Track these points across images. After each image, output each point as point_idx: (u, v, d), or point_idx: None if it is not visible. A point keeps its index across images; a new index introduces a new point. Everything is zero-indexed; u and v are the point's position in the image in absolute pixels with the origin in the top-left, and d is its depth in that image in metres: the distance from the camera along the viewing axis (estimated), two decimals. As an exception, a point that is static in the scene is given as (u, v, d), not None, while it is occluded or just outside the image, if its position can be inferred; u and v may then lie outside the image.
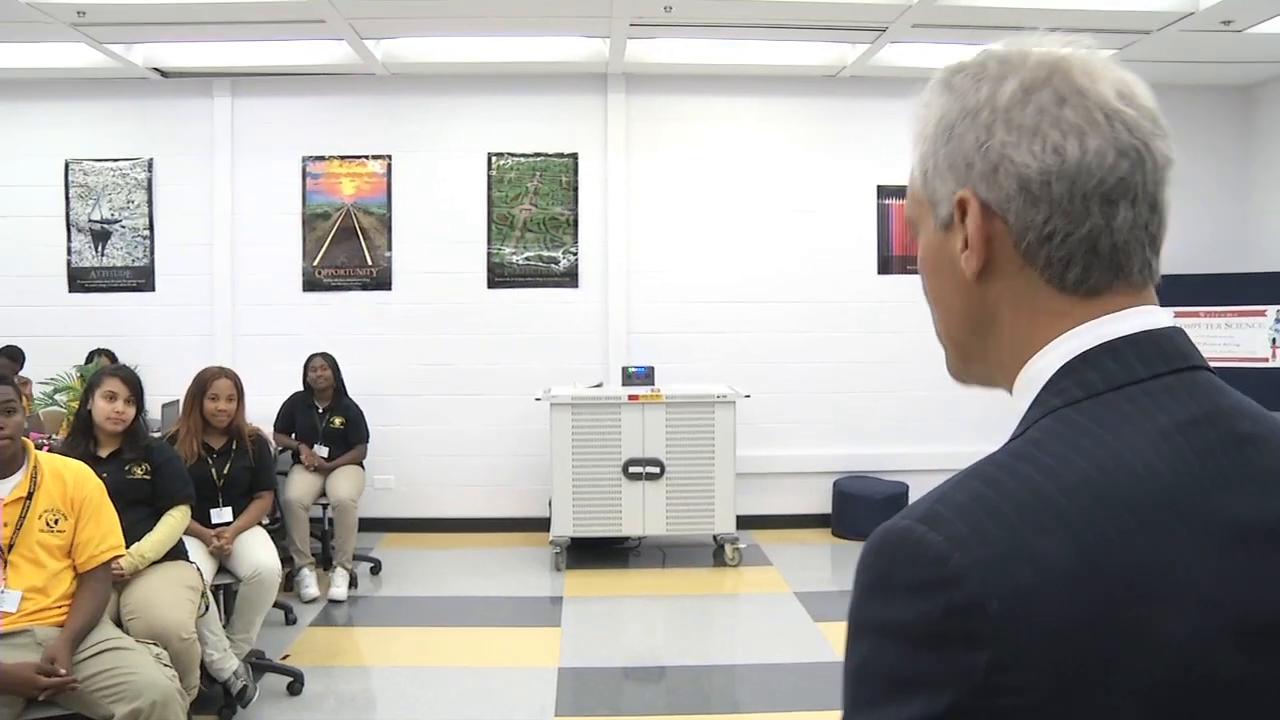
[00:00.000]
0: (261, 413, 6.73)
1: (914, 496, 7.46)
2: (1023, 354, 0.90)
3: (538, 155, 7.92)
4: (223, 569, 4.74)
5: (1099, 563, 0.74)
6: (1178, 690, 0.73)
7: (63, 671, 3.15)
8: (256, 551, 4.74)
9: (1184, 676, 0.74)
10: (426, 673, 5.10)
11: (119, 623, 3.69)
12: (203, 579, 4.17)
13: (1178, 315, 7.68)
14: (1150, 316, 0.87)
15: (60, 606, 3.41)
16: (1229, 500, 0.78)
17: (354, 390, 7.01)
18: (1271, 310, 7.36)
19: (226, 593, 4.82)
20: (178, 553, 4.17)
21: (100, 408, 4.16)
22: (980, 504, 0.77)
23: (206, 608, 4.16)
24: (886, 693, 0.76)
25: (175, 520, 4.19)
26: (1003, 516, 0.76)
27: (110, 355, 7.29)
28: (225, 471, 4.89)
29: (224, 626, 4.55)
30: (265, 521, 5.16)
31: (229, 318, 7.82)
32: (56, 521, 3.45)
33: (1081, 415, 0.82)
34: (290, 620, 5.80)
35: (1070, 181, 0.84)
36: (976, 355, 0.96)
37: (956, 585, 0.74)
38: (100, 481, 3.64)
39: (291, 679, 4.81)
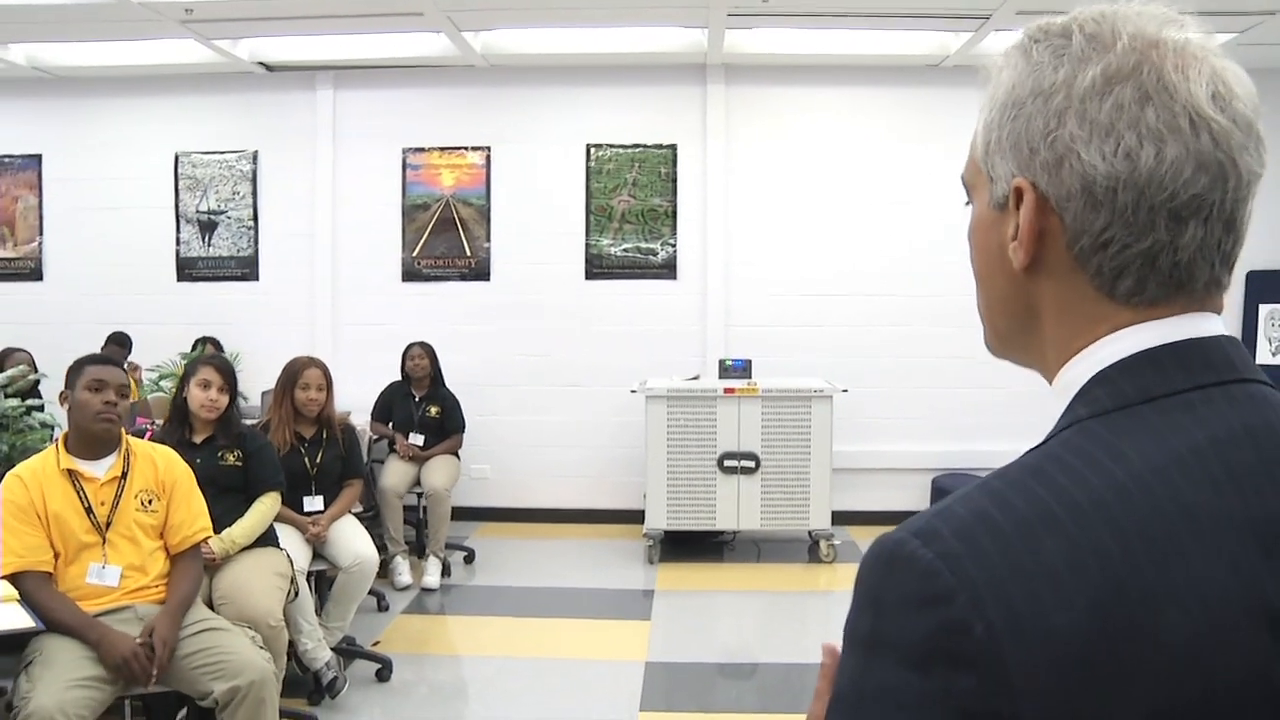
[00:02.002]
0: (360, 402, 6.84)
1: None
2: (1063, 355, 0.84)
3: (636, 146, 7.89)
4: (318, 556, 4.80)
5: (1099, 591, 0.68)
6: (1197, 713, 0.68)
7: (160, 641, 3.24)
8: (356, 540, 4.79)
9: (1203, 701, 0.68)
10: (514, 663, 5.11)
11: (210, 607, 3.75)
12: (292, 566, 4.21)
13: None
14: (1203, 324, 0.80)
15: (156, 585, 3.50)
16: (1260, 522, 0.72)
17: (451, 380, 7.05)
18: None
19: (321, 580, 4.88)
20: (268, 539, 4.22)
21: (195, 395, 4.23)
22: (981, 521, 0.72)
23: (296, 594, 4.20)
24: (873, 711, 0.72)
25: (265, 507, 4.24)
26: (1002, 536, 0.71)
27: (215, 343, 7.45)
28: (318, 460, 4.95)
29: (318, 614, 4.60)
30: (359, 509, 5.21)
31: (330, 307, 7.94)
32: (150, 502, 3.53)
33: (1107, 429, 0.76)
34: (383, 607, 5.86)
35: (1139, 191, 0.77)
36: (1016, 344, 0.90)
37: (945, 604, 0.70)
38: (188, 466, 3.71)
39: (380, 666, 4.85)
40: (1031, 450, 0.78)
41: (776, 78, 7.79)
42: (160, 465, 3.61)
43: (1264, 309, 7.60)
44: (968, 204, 0.91)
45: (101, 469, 3.49)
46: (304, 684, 4.47)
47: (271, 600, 3.88)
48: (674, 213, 7.92)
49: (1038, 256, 0.82)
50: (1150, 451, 0.73)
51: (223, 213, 8.01)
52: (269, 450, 4.44)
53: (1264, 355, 7.59)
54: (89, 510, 3.41)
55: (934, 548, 0.71)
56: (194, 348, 7.23)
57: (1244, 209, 0.80)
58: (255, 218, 8.00)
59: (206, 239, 8.02)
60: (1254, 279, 7.59)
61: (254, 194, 8.00)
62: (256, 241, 8.02)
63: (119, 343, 7.26)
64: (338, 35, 7.26)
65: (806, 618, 6.16)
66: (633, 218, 7.92)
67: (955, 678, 0.69)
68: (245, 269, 8.03)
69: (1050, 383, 0.86)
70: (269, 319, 7.94)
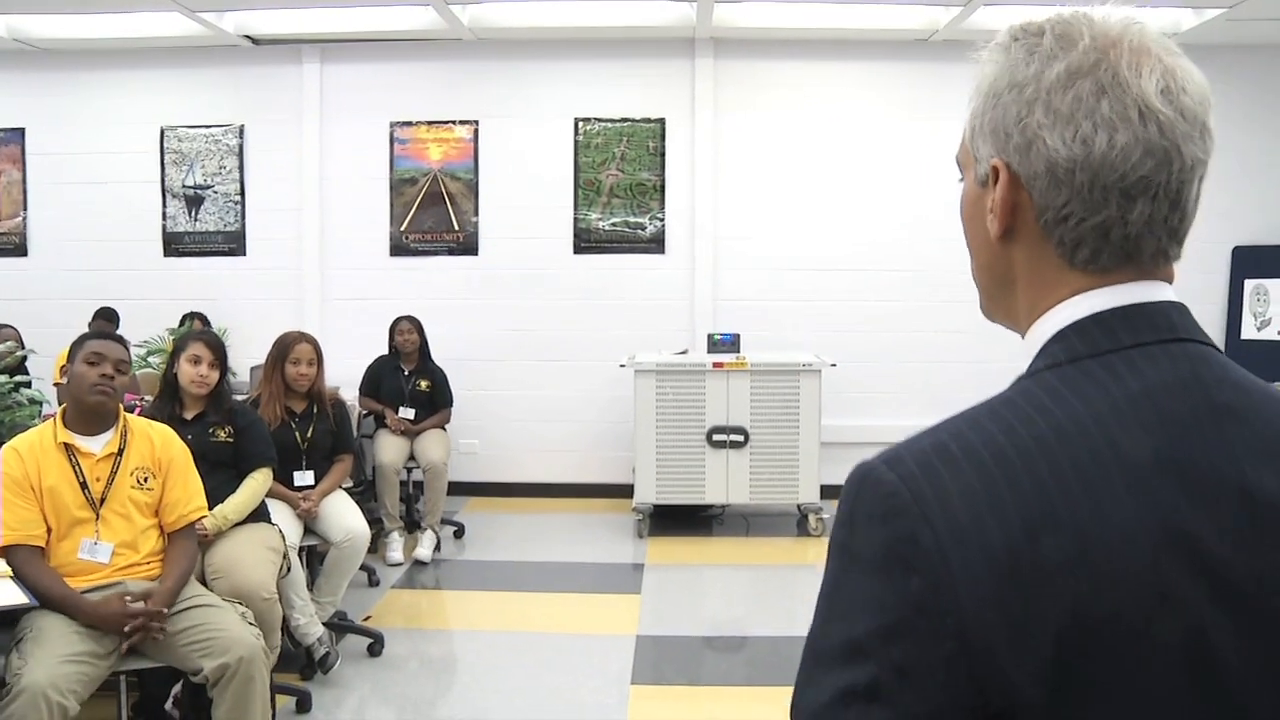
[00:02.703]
0: (349, 376, 6.83)
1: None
2: (1032, 316, 0.96)
3: (625, 121, 7.86)
4: (309, 531, 4.80)
5: (1032, 514, 0.80)
6: (1100, 624, 0.79)
7: (149, 607, 3.25)
8: (346, 515, 4.79)
9: (1114, 613, 0.79)
10: (506, 637, 5.13)
11: (203, 582, 3.75)
12: (284, 541, 4.22)
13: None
14: (1151, 290, 0.92)
15: (148, 563, 3.50)
16: (1184, 462, 0.83)
17: (439, 355, 7.04)
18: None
19: (312, 555, 4.89)
20: (260, 515, 4.22)
21: (185, 371, 4.22)
22: (939, 451, 0.85)
23: (288, 569, 4.21)
24: (844, 606, 0.85)
25: (257, 482, 4.24)
26: (955, 464, 0.83)
27: (203, 318, 7.42)
28: (308, 435, 4.94)
29: (310, 589, 4.61)
30: (348, 484, 5.22)
31: (318, 282, 7.92)
32: (146, 479, 3.53)
33: (1057, 378, 0.88)
34: (373, 582, 5.88)
35: (1093, 173, 0.88)
36: (998, 303, 1.02)
37: (899, 518, 0.82)
38: (185, 445, 3.71)
39: (372, 640, 4.87)
40: (994, 396, 0.90)
41: (765, 52, 7.77)
42: (157, 443, 3.60)
43: (1249, 284, 7.63)
44: (960, 181, 1.03)
45: (98, 444, 3.49)
46: (296, 659, 4.49)
47: (264, 574, 3.89)
48: (662, 187, 7.91)
49: (1011, 227, 0.94)
50: (1092, 398, 0.85)
51: (209, 187, 7.96)
52: (260, 425, 4.44)
53: (1249, 330, 7.63)
54: (84, 485, 3.41)
55: (897, 471, 0.84)
56: (181, 323, 7.20)
57: (1189, 190, 0.90)
58: (242, 192, 7.96)
59: (193, 214, 7.98)
60: (1239, 254, 7.63)
61: (240, 168, 7.94)
62: (244, 216, 7.98)
63: (107, 318, 7.22)
64: (324, 8, 7.22)
65: (796, 591, 6.17)
66: (621, 192, 7.91)
67: (906, 579, 0.81)
68: (232, 244, 7.99)
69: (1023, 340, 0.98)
70: (256, 294, 7.91)
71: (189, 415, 4.25)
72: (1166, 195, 0.89)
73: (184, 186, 7.98)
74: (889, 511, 0.83)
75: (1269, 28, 6.66)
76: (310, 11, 7.31)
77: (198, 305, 7.64)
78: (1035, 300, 0.95)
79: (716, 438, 6.89)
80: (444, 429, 6.84)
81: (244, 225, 7.98)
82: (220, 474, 4.10)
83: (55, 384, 7.04)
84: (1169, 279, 0.93)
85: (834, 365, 7.01)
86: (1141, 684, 0.79)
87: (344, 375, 6.90)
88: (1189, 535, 0.81)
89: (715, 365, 6.92)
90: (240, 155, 7.95)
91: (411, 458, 6.60)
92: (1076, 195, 0.89)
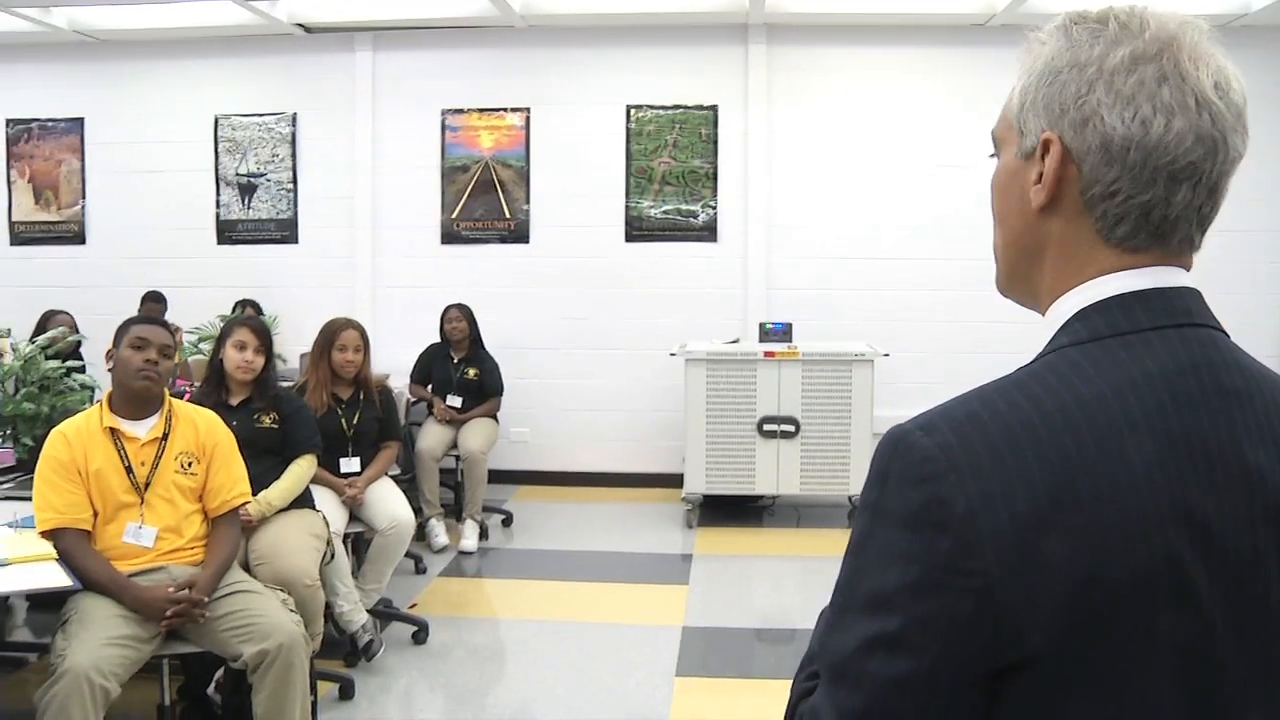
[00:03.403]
0: (400, 364, 6.84)
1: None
2: (1056, 292, 1.02)
3: (677, 108, 7.80)
4: (355, 518, 4.79)
5: (1056, 482, 0.86)
6: (1112, 586, 0.85)
7: (192, 595, 3.25)
8: (392, 503, 4.78)
9: (1125, 577, 0.86)
10: (551, 626, 5.10)
11: (246, 568, 3.76)
12: (328, 527, 4.21)
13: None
14: (1171, 276, 0.97)
15: (192, 548, 3.51)
16: (1194, 441, 0.90)
17: (491, 343, 7.02)
18: None
19: (357, 542, 4.89)
20: (304, 501, 4.23)
21: (231, 357, 4.23)
22: (971, 420, 0.90)
23: (332, 555, 4.20)
24: (874, 560, 0.91)
25: (302, 469, 4.24)
26: (987, 433, 0.89)
27: (255, 306, 7.47)
28: (354, 422, 4.94)
29: (354, 576, 4.61)
30: (395, 472, 5.21)
31: (369, 269, 7.93)
32: (190, 464, 3.53)
33: (1081, 355, 0.94)
34: (420, 570, 5.87)
35: (1146, 153, 0.94)
36: (1021, 277, 1.07)
37: (935, 482, 0.88)
38: (229, 430, 3.70)
39: (417, 628, 4.86)
40: (1021, 367, 0.96)
41: (818, 38, 7.66)
42: (202, 428, 3.60)
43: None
44: (993, 156, 1.09)
45: (143, 429, 3.50)
46: (341, 646, 4.49)
47: (307, 560, 3.88)
48: (715, 175, 7.83)
49: (1055, 198, 0.99)
50: (1111, 375, 0.91)
51: (262, 175, 8.01)
52: (305, 412, 4.44)
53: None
54: (129, 470, 3.42)
55: (932, 438, 0.90)
56: (234, 310, 7.24)
57: (1226, 181, 0.97)
58: (294, 180, 8.00)
59: (246, 201, 8.03)
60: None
61: (293, 156, 7.98)
62: (296, 204, 8.01)
63: (156, 299, 7.30)
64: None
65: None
66: (673, 179, 7.84)
67: (937, 539, 0.87)
68: (285, 231, 8.03)
69: (1044, 316, 1.04)
70: (308, 281, 7.94)
71: (234, 401, 4.26)
72: (1206, 183, 0.95)
73: (237, 175, 8.03)
74: (924, 476, 0.89)
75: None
76: (362, -1, 7.32)
77: (250, 293, 7.68)
78: (1061, 276, 1.01)
79: (767, 427, 6.82)
80: (495, 418, 6.82)
81: (296, 213, 8.01)
82: (265, 460, 4.11)
83: (109, 370, 7.13)
84: (1188, 267, 0.99)
85: (887, 355, 6.91)
86: (1144, 642, 0.86)
87: (397, 364, 6.92)
88: (1196, 510, 0.88)
89: (767, 354, 6.84)
90: (293, 143, 7.98)
91: (456, 446, 6.59)
92: (1127, 173, 0.95)
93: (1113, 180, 0.95)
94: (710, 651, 4.88)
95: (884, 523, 0.91)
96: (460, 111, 7.87)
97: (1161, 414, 0.90)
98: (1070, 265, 1.00)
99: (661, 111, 7.81)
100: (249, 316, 4.36)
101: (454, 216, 7.92)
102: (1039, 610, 0.85)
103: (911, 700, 0.88)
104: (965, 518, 0.86)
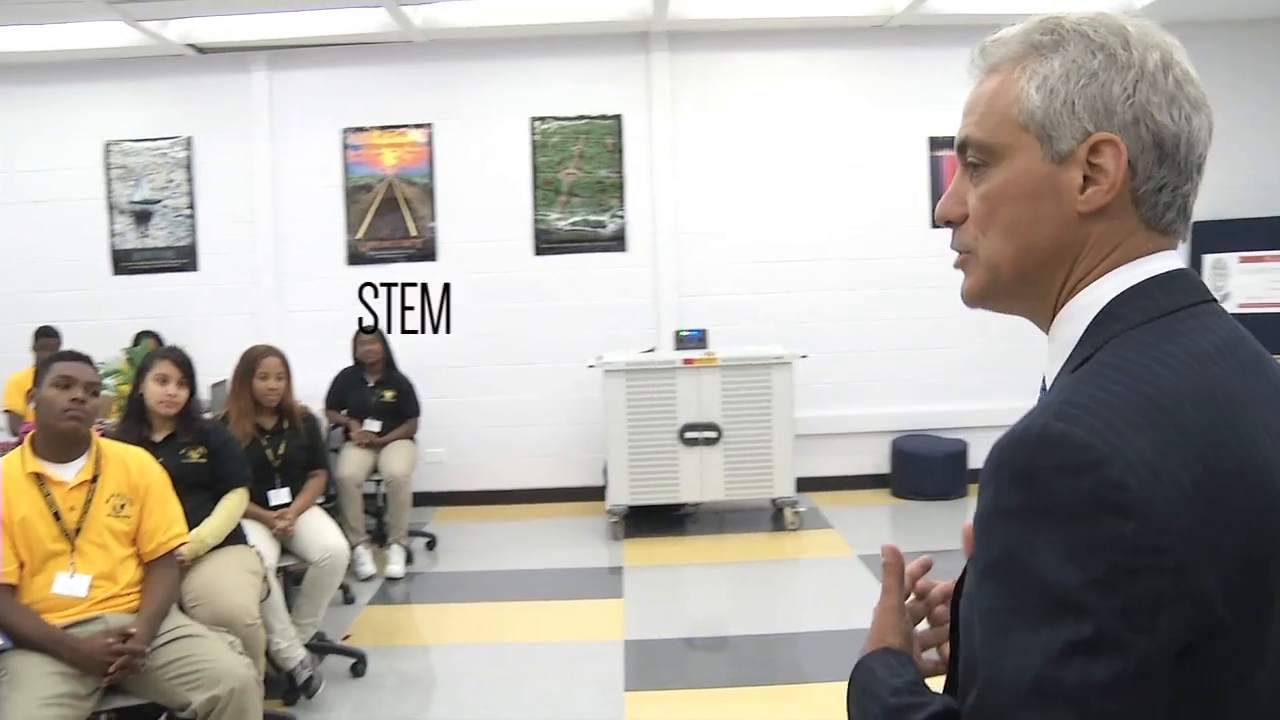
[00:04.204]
0: (311, 390, 6.66)
1: (973, 454, 7.46)
2: (1083, 282, 1.03)
3: (581, 118, 7.76)
4: (286, 551, 4.65)
5: (1201, 450, 0.87)
6: (1274, 544, 0.88)
7: (132, 645, 3.10)
8: (325, 532, 4.65)
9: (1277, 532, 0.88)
10: (491, 649, 5.02)
11: (182, 610, 3.61)
12: (263, 563, 4.08)
13: (1243, 260, 7.47)
14: (1178, 259, 1.04)
15: (128, 594, 3.35)
16: (1263, 402, 0.95)
17: (402, 364, 6.90)
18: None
19: (288, 576, 4.75)
20: (237, 537, 4.09)
21: (152, 391, 4.07)
22: (1103, 405, 0.89)
23: (269, 592, 4.08)
24: (1042, 565, 0.86)
25: (233, 503, 4.10)
26: (1124, 415, 0.88)
27: (157, 337, 7.22)
28: (281, 451, 4.80)
29: (288, 611, 4.47)
30: (319, 501, 5.08)
31: (274, 294, 7.73)
32: (123, 507, 3.37)
33: (1147, 335, 0.97)
34: (349, 600, 5.74)
35: (1190, 147, 1.00)
36: (1031, 283, 1.07)
37: (1103, 466, 0.85)
38: (162, 469, 3.55)
39: (355, 660, 4.74)
40: (1093, 360, 0.97)
41: (721, 43, 7.69)
42: (133, 468, 3.44)
43: (1208, 258, 7.65)
44: (980, 165, 1.07)
45: (70, 472, 3.32)
46: (278, 684, 4.34)
47: (247, 598, 3.75)
48: (621, 184, 7.81)
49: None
50: (1188, 350, 0.94)
51: (158, 202, 7.75)
52: (234, 444, 4.30)
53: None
54: (57, 516, 3.24)
55: (1080, 426, 0.88)
56: (136, 342, 6.98)
57: None
58: (192, 205, 7.75)
59: (142, 229, 7.76)
60: (1199, 229, 7.61)
61: (190, 181, 7.73)
62: (195, 230, 7.77)
63: (49, 334, 7.02)
64: (271, 13, 7.03)
65: (778, 585, 6.15)
66: (580, 190, 7.80)
67: (1119, 524, 0.84)
68: (184, 259, 7.77)
69: (1047, 318, 1.08)
70: (211, 309, 7.70)
71: (158, 437, 4.09)
72: (1201, 173, 1.03)
73: (131, 202, 7.76)
74: (1086, 463, 0.86)
75: (1219, 4, 6.67)
76: (256, 18, 7.12)
77: (150, 323, 7.42)
78: (1091, 269, 1.03)
79: (689, 435, 6.82)
80: (412, 440, 6.70)
81: (195, 239, 7.76)
82: (195, 496, 3.94)
83: (5, 410, 6.84)
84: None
85: (805, 357, 6.97)
86: None
87: (308, 389, 6.72)
88: None
89: (686, 362, 6.84)
90: (189, 168, 7.73)
91: (376, 470, 6.46)
92: (1175, 167, 1.01)
93: (1163, 175, 1.00)
94: (656, 665, 4.83)
95: (1043, 523, 0.87)
96: (361, 130, 7.72)
97: (1238, 380, 0.94)
98: (1105, 258, 1.03)
99: (566, 122, 7.76)
100: (170, 348, 4.18)
101: (359, 236, 7.76)
102: (1221, 581, 0.85)
103: (1122, 699, 0.84)
104: (1143, 498, 0.85)
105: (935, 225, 1.12)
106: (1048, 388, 1.06)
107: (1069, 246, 1.03)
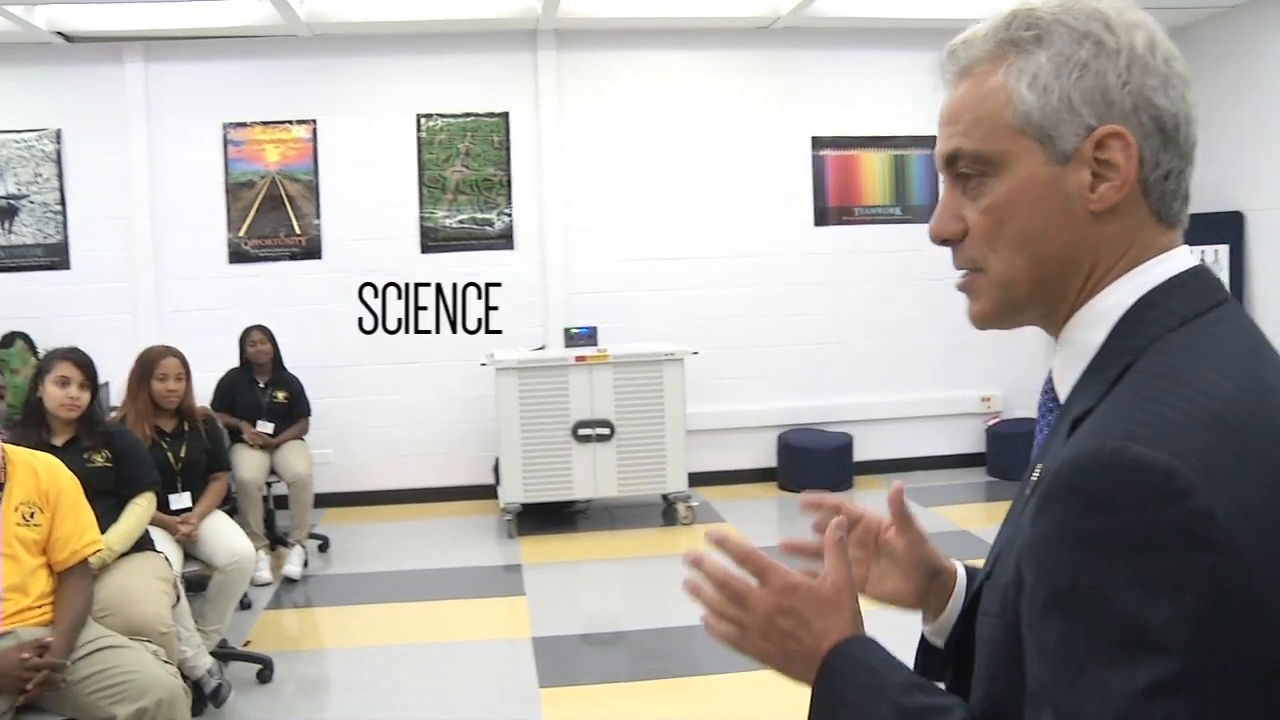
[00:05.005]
0: (196, 391, 6.48)
1: (859, 446, 7.66)
2: (1099, 286, 0.98)
3: (468, 115, 7.70)
4: (190, 557, 4.52)
5: (1269, 464, 0.82)
6: None
7: (50, 659, 2.97)
8: (230, 536, 4.53)
9: None
10: (400, 650, 4.96)
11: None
12: (171, 569, 3.97)
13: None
14: (1189, 254, 0.98)
15: (40, 606, 3.20)
16: None
17: (288, 364, 6.76)
18: (1204, 250, 7.49)
19: (191, 583, 4.61)
20: (144, 543, 3.96)
21: (52, 394, 3.92)
22: (1173, 425, 0.83)
23: (178, 599, 3.96)
24: (1124, 598, 0.79)
25: (141, 509, 3.98)
26: (1196, 435, 0.82)
27: (27, 339, 6.95)
28: (182, 454, 4.65)
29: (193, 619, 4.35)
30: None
31: (152, 294, 7.46)
32: (33, 515, 3.22)
33: (1187, 339, 0.91)
34: (245, 605, 5.57)
35: (1188, 127, 0.96)
36: (1047, 296, 1.01)
37: (1189, 496, 0.79)
38: (73, 475, 3.42)
39: (261, 666, 4.63)
40: (1132, 374, 0.90)
41: (608, 42, 7.72)
42: (43, 474, 3.29)
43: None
44: (979, 174, 1.00)
45: None
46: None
47: (160, 606, 3.64)
48: (509, 182, 7.79)
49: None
50: (1233, 355, 0.89)
51: (24, 197, 7.41)
52: (140, 447, 4.17)
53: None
54: (-38, 528, 3.11)
55: (1162, 450, 0.81)
56: (6, 344, 6.71)
57: None
58: (63, 201, 7.43)
59: (6, 226, 7.42)
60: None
61: (60, 176, 7.41)
62: (66, 227, 7.44)
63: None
64: (147, 3, 6.78)
65: (676, 579, 6.18)
66: (467, 188, 7.75)
67: (1206, 556, 0.78)
68: (55, 257, 7.45)
69: (1058, 326, 1.01)
70: (86, 309, 7.38)
71: (59, 441, 3.94)
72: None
73: (-5, 197, 7.42)
74: (1173, 492, 0.79)
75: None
76: (130, 6, 6.86)
77: (19, 324, 7.12)
78: (1106, 272, 0.97)
79: (582, 432, 6.85)
80: (303, 439, 6.58)
81: (66, 237, 7.44)
82: (101, 502, 3.78)
83: None
84: None
85: (696, 353, 7.05)
86: None
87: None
88: None
89: (578, 359, 6.86)
90: (58, 161, 7.40)
91: (273, 472, 6.33)
92: (1177, 150, 0.96)
93: (1168, 161, 0.95)
94: (566, 660, 4.85)
95: (1125, 554, 0.80)
96: (243, 125, 7.52)
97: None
98: (1120, 258, 0.97)
99: (452, 120, 7.70)
100: (70, 349, 3.99)
101: (241, 234, 7.56)
102: None
103: None
104: (1228, 528, 0.79)
105: (934, 243, 1.07)
106: (1060, 396, 1.01)
107: (1083, 250, 0.97)
